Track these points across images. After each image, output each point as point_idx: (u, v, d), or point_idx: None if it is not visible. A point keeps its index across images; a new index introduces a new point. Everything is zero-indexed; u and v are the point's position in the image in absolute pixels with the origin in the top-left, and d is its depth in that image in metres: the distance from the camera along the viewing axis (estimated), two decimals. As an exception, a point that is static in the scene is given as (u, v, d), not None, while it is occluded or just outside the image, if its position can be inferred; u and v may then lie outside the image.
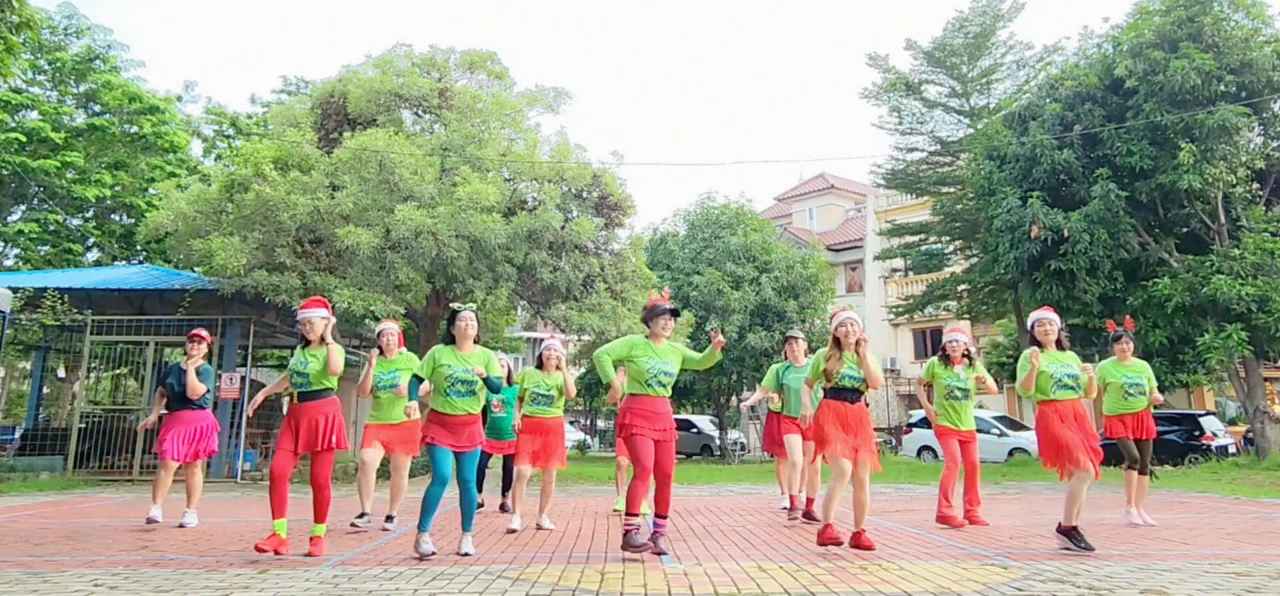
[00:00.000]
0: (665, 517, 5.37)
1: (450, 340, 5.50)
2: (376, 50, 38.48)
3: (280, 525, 5.22)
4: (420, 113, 15.58)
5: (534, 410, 6.87)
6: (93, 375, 17.23)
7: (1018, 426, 20.82)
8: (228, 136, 24.01)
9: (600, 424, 36.55)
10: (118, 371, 17.85)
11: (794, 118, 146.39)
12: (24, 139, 18.71)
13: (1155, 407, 7.21)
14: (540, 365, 6.98)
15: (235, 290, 12.80)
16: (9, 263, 20.31)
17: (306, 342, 5.52)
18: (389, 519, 6.86)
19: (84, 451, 13.78)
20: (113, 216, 21.33)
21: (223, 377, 13.55)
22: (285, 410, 5.58)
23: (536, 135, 15.22)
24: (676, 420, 27.26)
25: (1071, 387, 5.50)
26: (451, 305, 5.76)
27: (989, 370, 27.63)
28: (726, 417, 24.11)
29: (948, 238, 23.53)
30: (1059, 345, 5.69)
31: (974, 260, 22.02)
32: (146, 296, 15.18)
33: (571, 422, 37.19)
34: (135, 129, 21.01)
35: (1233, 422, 22.35)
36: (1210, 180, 14.53)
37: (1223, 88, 14.69)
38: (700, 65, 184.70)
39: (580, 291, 14.05)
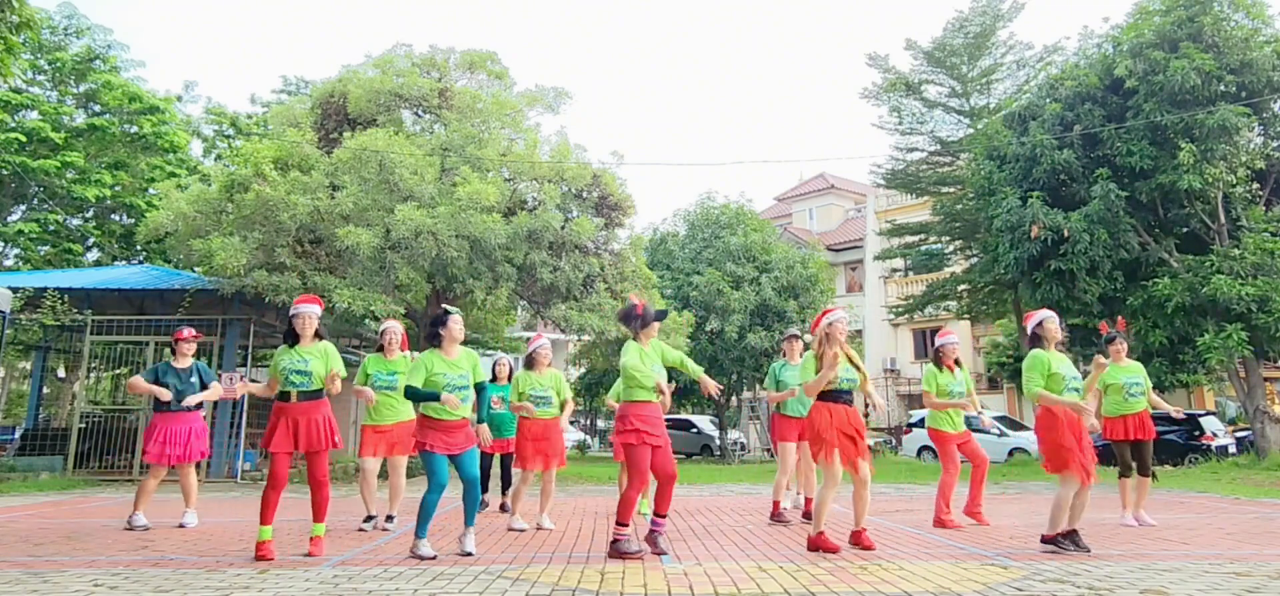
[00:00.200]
0: (665, 517, 5.38)
1: (436, 342, 5.38)
2: (376, 50, 38.49)
3: (268, 531, 5.19)
4: (420, 113, 15.59)
5: (536, 412, 6.87)
6: (93, 375, 17.23)
7: (1018, 426, 20.84)
8: (228, 136, 24.02)
9: (600, 424, 36.55)
10: (118, 371, 17.84)
11: (794, 118, 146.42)
12: (24, 139, 18.72)
13: (1154, 409, 7.21)
14: (531, 365, 6.98)
15: (235, 290, 12.80)
16: (9, 263, 20.31)
17: (295, 340, 5.41)
18: (389, 518, 6.85)
19: (84, 451, 13.78)
20: (113, 216, 21.34)
21: (222, 377, 13.55)
22: (273, 410, 5.36)
23: (536, 135, 15.22)
24: (676, 420, 27.33)
25: (1076, 389, 5.51)
26: (442, 307, 5.67)
27: (988, 370, 27.79)
28: (726, 417, 24.10)
29: (948, 238, 23.53)
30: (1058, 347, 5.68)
31: (974, 260, 22.02)
32: (146, 296, 15.18)
33: (571, 422, 37.20)
34: (135, 129, 21.02)
35: (1233, 422, 22.35)
36: (1210, 180, 14.53)
37: (1223, 88, 14.69)
38: (700, 65, 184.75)
39: (580, 291, 14.06)
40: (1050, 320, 5.60)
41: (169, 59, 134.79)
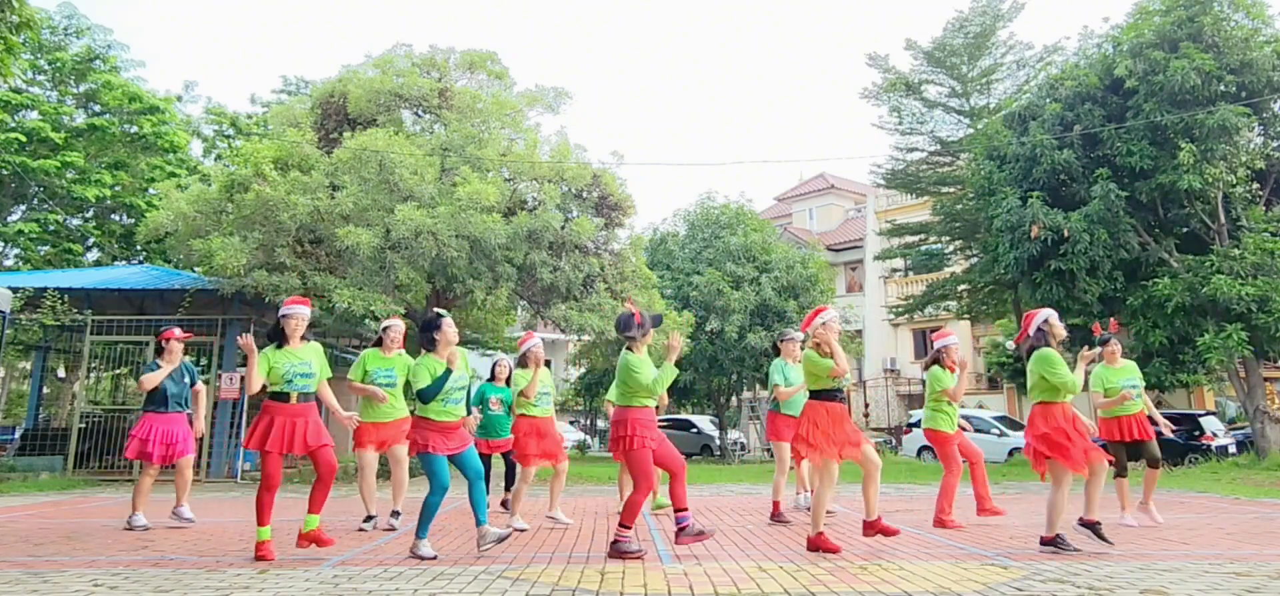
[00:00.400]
0: (686, 509, 5.39)
1: (431, 346, 5.32)
2: (376, 50, 38.48)
3: (267, 531, 5.19)
4: (420, 113, 15.58)
5: (535, 411, 6.89)
6: (93, 375, 17.23)
7: (1017, 426, 20.82)
8: (228, 136, 24.02)
9: (600, 424, 36.55)
10: (118, 371, 17.86)
11: (794, 118, 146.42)
12: (24, 139, 18.72)
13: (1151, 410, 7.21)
14: (523, 364, 7.01)
15: (235, 290, 12.80)
16: (9, 263, 20.31)
17: (283, 340, 5.36)
18: (395, 514, 6.85)
19: (84, 451, 13.79)
20: (113, 216, 21.34)
21: (223, 377, 13.56)
22: (264, 408, 5.28)
23: (536, 135, 15.22)
24: (676, 420, 27.25)
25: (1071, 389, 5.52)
26: (434, 310, 5.64)
27: (988, 369, 27.79)
28: (726, 417, 24.11)
29: (948, 238, 23.53)
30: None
31: (974, 260, 22.02)
32: (146, 296, 15.18)
33: (571, 422, 37.18)
34: (135, 129, 21.01)
35: (1232, 422, 22.35)
36: (1210, 180, 14.53)
37: (1223, 88, 14.69)
38: (700, 65, 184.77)
39: (580, 291, 14.06)
40: (1055, 319, 5.61)
41: (169, 59, 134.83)
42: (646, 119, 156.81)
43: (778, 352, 7.58)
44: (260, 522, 5.16)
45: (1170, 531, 6.47)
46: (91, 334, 13.96)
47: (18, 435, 18.52)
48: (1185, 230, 15.62)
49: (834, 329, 5.48)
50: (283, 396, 5.23)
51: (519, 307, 16.93)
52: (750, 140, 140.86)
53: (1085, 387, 6.06)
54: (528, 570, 4.74)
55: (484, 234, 12.50)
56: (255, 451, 5.20)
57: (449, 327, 5.35)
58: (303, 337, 5.48)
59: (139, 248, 20.21)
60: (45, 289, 13.40)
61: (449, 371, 5.19)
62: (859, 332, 32.03)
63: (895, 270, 31.94)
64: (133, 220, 20.24)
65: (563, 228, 13.76)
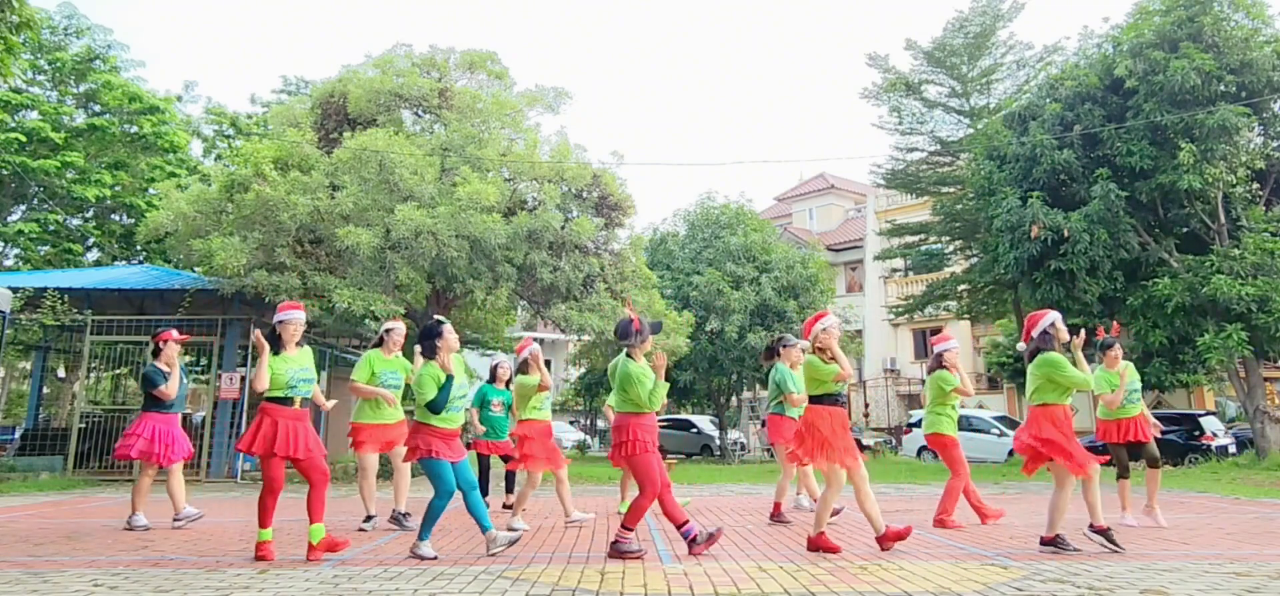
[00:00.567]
0: (687, 522, 5.37)
1: (432, 354, 5.29)
2: (376, 50, 38.47)
3: (268, 532, 5.19)
4: (420, 113, 15.58)
5: (538, 414, 6.91)
6: (93, 375, 17.23)
7: (1017, 426, 20.83)
8: (228, 136, 24.01)
9: (600, 424, 36.56)
10: (118, 371, 17.86)
11: (794, 118, 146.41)
12: (24, 139, 18.71)
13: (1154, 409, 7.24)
14: (524, 370, 7.01)
15: (235, 290, 12.79)
16: (9, 263, 20.31)
17: (280, 346, 5.34)
18: (405, 515, 6.84)
19: (84, 451, 13.78)
20: (113, 216, 21.33)
21: (223, 377, 13.56)
22: (265, 411, 5.26)
23: (536, 135, 15.21)
24: (676, 420, 27.25)
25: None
26: (435, 317, 5.64)
27: (988, 369, 27.80)
28: (726, 417, 24.10)
29: (948, 238, 23.53)
30: None
31: (974, 260, 22.01)
32: (146, 296, 15.18)
33: (571, 422, 37.19)
34: (135, 129, 21.01)
35: (1232, 422, 22.36)
36: (1210, 180, 14.53)
37: (1223, 88, 14.69)
38: (700, 65, 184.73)
39: (580, 291, 14.05)
40: (1060, 322, 5.61)
41: (169, 59, 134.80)
42: (646, 119, 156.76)
43: (774, 356, 7.53)
44: (262, 524, 5.17)
45: (1170, 531, 6.47)
46: (91, 334, 13.96)
47: (18, 435, 18.52)
48: (1185, 230, 15.62)
49: (835, 333, 5.49)
50: (285, 401, 5.24)
51: (519, 308, 16.93)
52: (750, 140, 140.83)
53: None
54: (528, 570, 4.74)
55: (484, 234, 12.50)
56: (255, 455, 5.18)
57: (450, 335, 5.36)
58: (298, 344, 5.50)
59: (139, 247, 20.20)
60: (45, 289, 13.40)
61: (451, 379, 5.20)
62: (859, 333, 32.03)
63: (895, 270, 31.94)
64: (133, 220, 20.23)
65: (563, 228, 13.75)
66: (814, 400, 5.47)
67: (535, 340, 7.19)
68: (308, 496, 5.28)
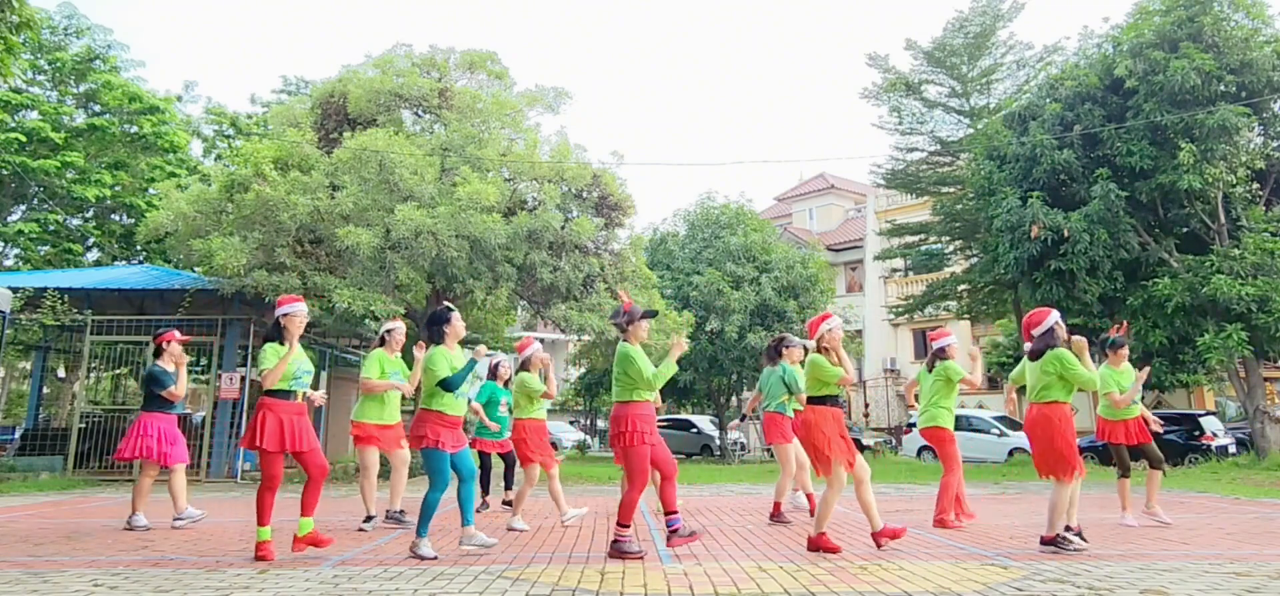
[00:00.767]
0: (677, 512, 5.39)
1: (439, 339, 5.37)
2: (376, 50, 38.48)
3: (267, 531, 5.19)
4: (420, 113, 15.57)
5: (535, 413, 6.94)
6: (93, 375, 17.24)
7: (1017, 426, 20.81)
8: (228, 136, 24.01)
9: (600, 424, 36.56)
10: (118, 371, 17.85)
11: (794, 118, 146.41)
12: (24, 139, 18.71)
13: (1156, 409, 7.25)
14: (526, 368, 7.04)
15: (235, 290, 12.79)
16: (9, 263, 20.31)
17: (282, 339, 5.35)
18: (402, 514, 6.87)
19: (84, 451, 13.78)
20: (113, 216, 21.33)
21: (223, 377, 13.55)
22: (264, 406, 5.22)
23: (536, 135, 15.21)
24: (676, 420, 27.21)
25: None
26: (444, 304, 5.69)
27: (988, 370, 27.82)
28: (726, 417, 24.10)
29: (948, 238, 23.52)
30: None
31: (974, 260, 22.02)
32: (146, 296, 15.17)
33: (571, 422, 37.18)
34: (135, 129, 21.01)
35: (1232, 421, 22.34)
36: (1210, 180, 14.53)
37: (1223, 88, 14.69)
38: (700, 65, 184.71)
39: (580, 291, 14.05)
40: (1061, 322, 5.63)
41: (169, 59, 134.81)
42: (646, 119, 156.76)
43: (777, 357, 7.52)
44: (260, 522, 5.16)
45: (1170, 531, 6.47)
46: (91, 334, 13.96)
47: (18, 435, 18.51)
48: (1185, 230, 15.62)
49: (839, 335, 5.52)
50: (287, 395, 5.26)
51: (519, 307, 16.92)
52: (750, 140, 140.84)
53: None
54: (528, 570, 4.74)
55: (484, 234, 12.49)
56: (256, 451, 5.18)
57: (458, 322, 5.43)
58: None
59: (139, 248, 20.20)
60: (45, 289, 13.40)
61: (474, 361, 5.33)
62: (859, 333, 32.02)
63: (895, 270, 31.93)
64: (133, 220, 20.23)
65: (563, 228, 13.74)
66: (815, 400, 5.47)
67: (537, 341, 7.19)
68: (304, 489, 5.28)
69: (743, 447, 25.74)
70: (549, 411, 7.25)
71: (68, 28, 21.54)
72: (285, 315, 5.40)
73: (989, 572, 4.60)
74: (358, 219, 12.77)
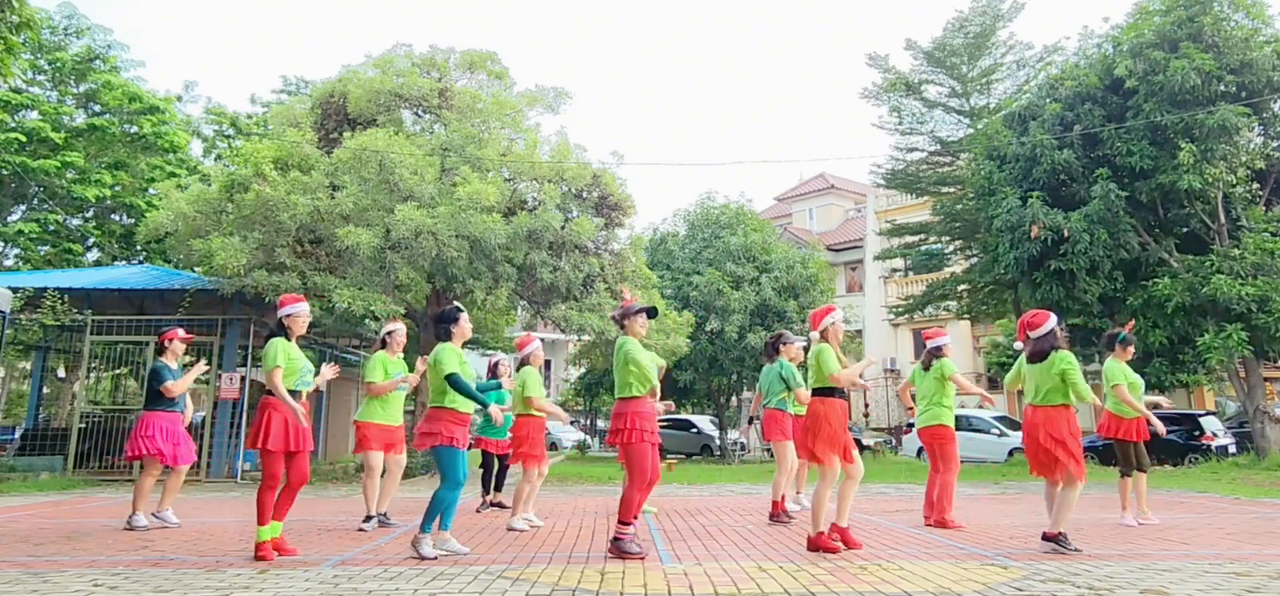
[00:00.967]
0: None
1: (447, 337, 5.42)
2: (376, 50, 38.48)
3: (267, 531, 5.19)
4: (420, 113, 15.57)
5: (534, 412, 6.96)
6: (93, 375, 17.23)
7: (1017, 426, 20.82)
8: (228, 136, 24.01)
9: (600, 424, 36.57)
10: (118, 371, 17.85)
11: (794, 118, 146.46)
12: (24, 139, 18.71)
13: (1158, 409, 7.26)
14: (527, 365, 7.06)
15: (235, 290, 12.79)
16: (9, 263, 20.31)
17: (289, 337, 5.40)
18: (384, 517, 6.88)
19: (84, 451, 13.78)
20: (113, 216, 21.33)
21: (223, 377, 13.55)
22: (268, 405, 5.25)
23: (536, 135, 15.21)
24: (676, 420, 27.17)
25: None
26: (453, 304, 5.73)
27: (988, 369, 27.79)
28: (726, 417, 24.10)
29: (948, 238, 23.52)
30: None
31: (974, 260, 22.02)
32: (146, 296, 15.18)
33: (571, 422, 37.17)
34: (135, 129, 21.01)
35: (1230, 419, 22.33)
36: (1210, 180, 14.53)
37: (1223, 88, 14.69)
38: (700, 65, 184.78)
39: (580, 291, 14.04)
40: (1060, 325, 5.68)
41: (169, 59, 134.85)
42: (646, 119, 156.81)
43: (775, 353, 7.54)
44: (260, 522, 5.16)
45: (1170, 531, 6.47)
46: (91, 334, 13.96)
47: (18, 435, 18.52)
48: (1185, 230, 15.62)
49: (840, 329, 5.56)
50: (293, 394, 5.30)
51: (519, 307, 16.91)
52: (750, 140, 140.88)
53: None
54: (528, 570, 4.74)
55: (484, 234, 12.49)
56: (258, 449, 5.19)
57: (466, 323, 5.48)
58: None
59: (139, 248, 20.20)
60: (45, 289, 13.40)
61: (499, 385, 5.54)
62: (859, 333, 32.02)
63: (895, 270, 31.93)
64: (133, 220, 20.23)
65: (563, 228, 13.74)
66: (819, 392, 5.47)
67: (537, 340, 7.20)
68: (280, 493, 5.25)
69: (743, 447, 25.73)
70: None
71: (68, 28, 21.54)
72: (289, 315, 5.42)
73: (989, 572, 4.60)
74: (358, 219, 12.77)
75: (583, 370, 26.89)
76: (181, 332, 7.17)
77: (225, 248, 12.08)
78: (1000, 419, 20.94)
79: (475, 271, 13.26)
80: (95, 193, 19.33)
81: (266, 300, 12.80)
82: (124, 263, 20.71)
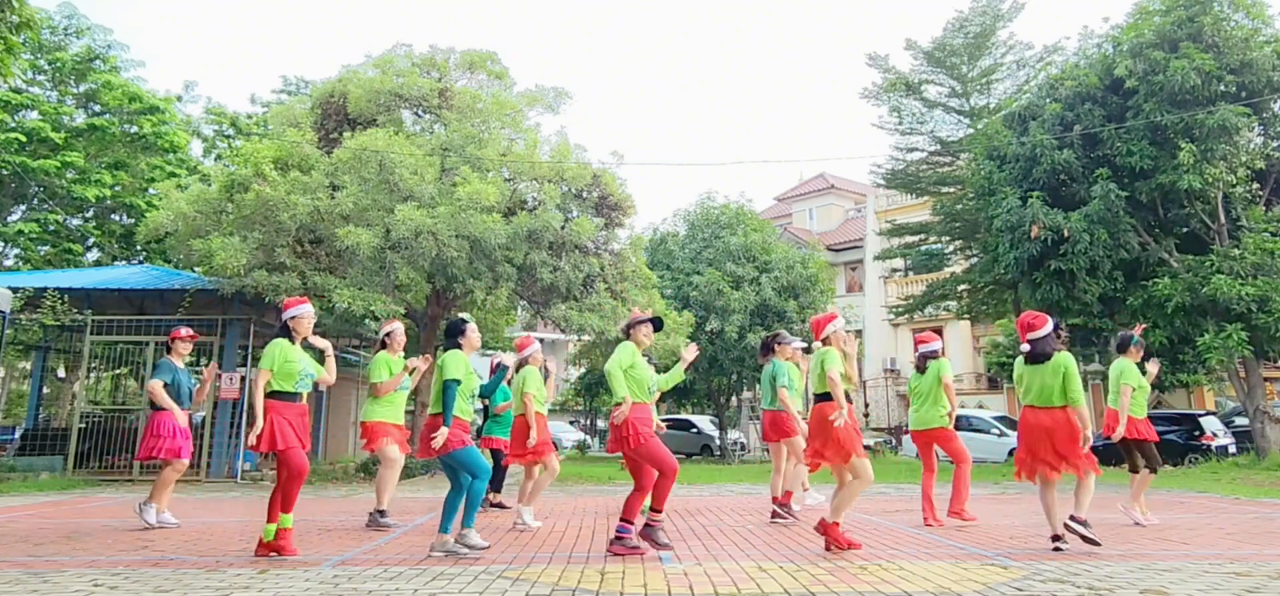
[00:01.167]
0: (633, 522, 5.38)
1: (456, 346, 5.44)
2: (376, 50, 38.49)
3: (288, 519, 5.24)
4: (420, 113, 15.57)
5: (542, 410, 6.99)
6: (93, 375, 17.23)
7: (1017, 426, 20.81)
8: (228, 136, 24.01)
9: (600, 424, 36.59)
10: (118, 371, 17.85)
11: (794, 118, 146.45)
12: (24, 139, 18.71)
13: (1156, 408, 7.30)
14: (527, 365, 7.09)
15: (235, 290, 12.79)
16: (9, 263, 20.31)
17: (290, 339, 5.43)
18: (382, 514, 6.89)
19: (84, 451, 13.78)
20: (113, 216, 21.33)
21: (223, 377, 13.55)
22: (273, 408, 5.28)
23: (536, 135, 15.20)
24: (676, 420, 27.22)
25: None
26: (460, 315, 5.75)
27: (988, 369, 27.80)
28: (726, 417, 24.10)
29: (948, 238, 23.52)
30: None
31: (974, 260, 22.02)
32: (146, 296, 15.17)
33: (571, 422, 37.20)
34: (135, 129, 21.01)
35: (1228, 416, 22.33)
36: (1210, 180, 14.53)
37: (1223, 88, 14.69)
38: (700, 65, 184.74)
39: (580, 291, 14.04)
40: (1061, 326, 5.71)
41: (169, 59, 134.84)
42: (646, 119, 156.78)
43: (769, 353, 7.53)
44: (285, 510, 5.22)
45: (1170, 531, 6.47)
46: (91, 334, 13.96)
47: (18, 435, 18.52)
48: (1185, 230, 15.62)
49: (843, 336, 5.64)
50: (292, 396, 5.32)
51: (519, 307, 16.91)
52: (750, 140, 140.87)
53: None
54: (528, 570, 4.74)
55: (484, 234, 12.49)
56: (269, 451, 5.22)
57: (473, 332, 5.51)
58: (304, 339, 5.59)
59: (139, 248, 20.20)
60: (45, 289, 13.39)
61: (502, 373, 5.75)
62: (859, 333, 32.01)
63: (895, 270, 31.94)
64: (133, 220, 20.23)
65: (563, 228, 13.74)
66: (823, 396, 5.48)
67: (537, 341, 7.22)
68: (273, 492, 5.31)
69: (743, 447, 25.74)
70: (549, 411, 7.25)
71: (68, 28, 21.54)
72: (293, 318, 5.46)
73: (989, 572, 4.60)
74: (358, 219, 12.77)
75: (583, 370, 26.90)
76: (187, 332, 7.19)
77: (225, 248, 12.08)
78: (1000, 419, 20.94)
79: (475, 271, 13.26)
80: (95, 193, 19.33)
81: (266, 300, 12.80)
82: (124, 263, 20.72)
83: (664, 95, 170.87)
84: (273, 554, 5.21)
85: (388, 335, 6.78)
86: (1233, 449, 16.81)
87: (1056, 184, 15.97)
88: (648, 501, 5.35)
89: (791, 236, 31.52)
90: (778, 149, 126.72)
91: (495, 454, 8.37)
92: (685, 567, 4.83)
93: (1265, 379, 16.49)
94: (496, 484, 8.57)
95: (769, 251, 22.00)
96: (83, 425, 14.14)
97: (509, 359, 8.14)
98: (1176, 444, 16.58)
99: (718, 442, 24.35)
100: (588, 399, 32.37)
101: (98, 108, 21.19)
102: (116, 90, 20.60)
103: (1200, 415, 18.11)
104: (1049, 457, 5.39)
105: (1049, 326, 5.58)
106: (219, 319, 14.23)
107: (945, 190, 23.22)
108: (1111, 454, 11.11)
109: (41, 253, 19.81)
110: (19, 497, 10.29)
